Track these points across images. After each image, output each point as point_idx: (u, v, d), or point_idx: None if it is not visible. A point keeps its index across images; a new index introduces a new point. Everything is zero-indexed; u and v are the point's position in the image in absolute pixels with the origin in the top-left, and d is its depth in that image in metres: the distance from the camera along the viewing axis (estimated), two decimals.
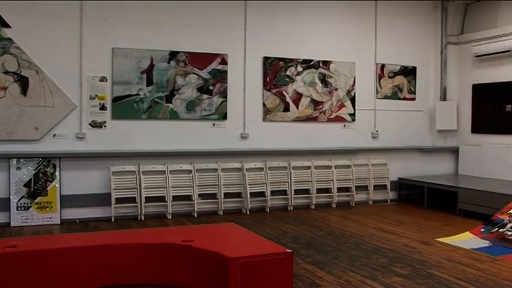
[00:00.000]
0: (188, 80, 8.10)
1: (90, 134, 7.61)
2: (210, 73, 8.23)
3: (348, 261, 5.51)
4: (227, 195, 8.25)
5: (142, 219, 7.64)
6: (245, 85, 8.51)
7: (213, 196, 8.18)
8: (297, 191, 8.73)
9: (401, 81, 9.84)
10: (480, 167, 9.54)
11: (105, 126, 7.68)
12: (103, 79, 7.64)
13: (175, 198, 7.92)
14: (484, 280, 4.90)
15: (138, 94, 7.81)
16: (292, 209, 8.62)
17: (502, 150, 9.15)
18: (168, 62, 7.96)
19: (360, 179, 9.27)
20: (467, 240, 6.55)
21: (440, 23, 10.07)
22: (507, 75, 9.19)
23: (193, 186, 8.00)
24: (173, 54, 7.99)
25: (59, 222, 7.31)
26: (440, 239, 6.58)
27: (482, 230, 6.83)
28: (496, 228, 6.74)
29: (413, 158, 9.92)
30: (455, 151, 10.19)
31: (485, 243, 6.36)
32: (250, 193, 8.32)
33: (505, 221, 6.82)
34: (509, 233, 6.51)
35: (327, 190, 9.00)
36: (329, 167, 9.01)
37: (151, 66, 7.88)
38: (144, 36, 7.84)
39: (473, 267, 5.35)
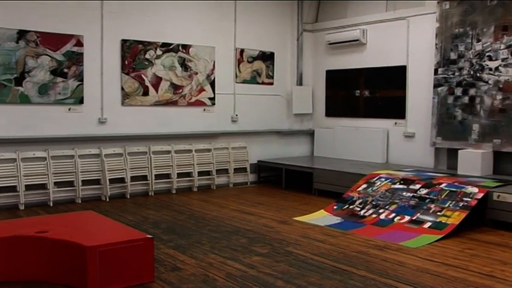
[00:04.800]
0: (40, 62, 7.63)
1: None
2: (65, 55, 7.83)
3: (210, 243, 5.58)
4: (85, 182, 7.94)
5: None
6: (102, 68, 8.21)
7: (70, 184, 7.84)
8: (157, 176, 8.65)
9: (260, 66, 10.10)
10: (333, 148, 10.11)
11: None
12: None
13: (28, 187, 7.46)
14: (336, 253, 5.22)
15: None
16: (153, 194, 8.53)
17: (351, 133, 9.78)
18: (17, 42, 7.42)
19: (221, 162, 9.40)
20: (322, 217, 6.92)
21: (297, 10, 10.46)
22: (356, 62, 9.81)
23: (48, 174, 7.60)
24: (22, 34, 7.45)
25: None
26: (297, 218, 6.89)
27: (335, 207, 7.27)
28: (347, 205, 7.21)
29: (272, 141, 10.26)
30: (311, 134, 10.70)
31: (337, 220, 6.76)
32: (110, 179, 8.10)
33: (355, 198, 7.31)
34: (358, 209, 7.00)
35: (188, 174, 9.02)
36: (189, 151, 9.02)
37: None
38: None
39: (327, 242, 5.67)
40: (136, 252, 4.25)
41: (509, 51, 7.51)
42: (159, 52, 8.73)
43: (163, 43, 8.77)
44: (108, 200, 8.03)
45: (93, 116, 8.17)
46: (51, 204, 7.56)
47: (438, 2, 8.30)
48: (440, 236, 5.85)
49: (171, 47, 8.87)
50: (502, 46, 7.59)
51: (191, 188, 9.03)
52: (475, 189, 6.52)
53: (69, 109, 7.94)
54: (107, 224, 5.10)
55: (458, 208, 6.29)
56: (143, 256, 4.29)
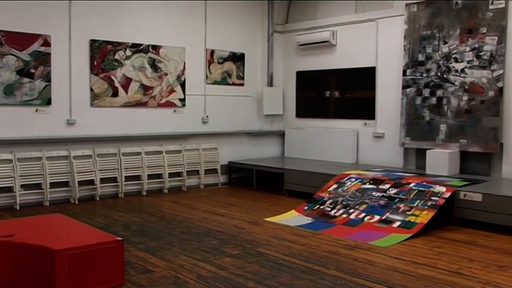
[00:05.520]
0: (5, 62, 7.47)
1: None
2: (31, 55, 7.69)
3: (180, 245, 5.55)
4: (53, 184, 7.81)
5: None
6: (71, 69, 8.09)
7: (38, 186, 7.71)
8: (127, 178, 8.56)
9: (230, 67, 10.08)
10: (303, 149, 10.16)
11: None
12: None
13: None
14: (307, 254, 5.25)
15: None
16: (123, 196, 8.44)
17: (321, 133, 9.84)
18: None
19: (191, 163, 9.36)
20: (293, 218, 6.95)
21: (267, 11, 10.49)
22: (326, 63, 9.88)
23: (14, 177, 7.45)
24: None
25: None
26: (268, 219, 6.90)
27: (305, 207, 7.30)
28: (318, 205, 7.25)
29: (243, 142, 10.26)
30: (281, 135, 10.74)
31: (308, 220, 6.79)
32: (79, 181, 7.98)
33: (325, 198, 7.36)
34: (329, 209, 7.05)
35: (159, 176, 8.95)
36: (160, 152, 8.96)
37: None
38: None
39: (297, 242, 5.70)
40: (106, 255, 4.20)
41: (474, 54, 7.66)
42: (128, 53, 8.65)
43: (133, 44, 8.69)
44: (77, 202, 7.92)
45: (61, 117, 8.04)
46: (18, 208, 7.42)
47: (406, 5, 8.42)
48: (409, 235, 5.92)
49: (141, 47, 8.79)
50: (467, 48, 7.73)
51: (162, 190, 8.97)
52: (443, 189, 6.63)
53: (37, 110, 7.81)
54: (75, 226, 5.02)
55: (426, 207, 6.39)
56: (113, 259, 4.24)
